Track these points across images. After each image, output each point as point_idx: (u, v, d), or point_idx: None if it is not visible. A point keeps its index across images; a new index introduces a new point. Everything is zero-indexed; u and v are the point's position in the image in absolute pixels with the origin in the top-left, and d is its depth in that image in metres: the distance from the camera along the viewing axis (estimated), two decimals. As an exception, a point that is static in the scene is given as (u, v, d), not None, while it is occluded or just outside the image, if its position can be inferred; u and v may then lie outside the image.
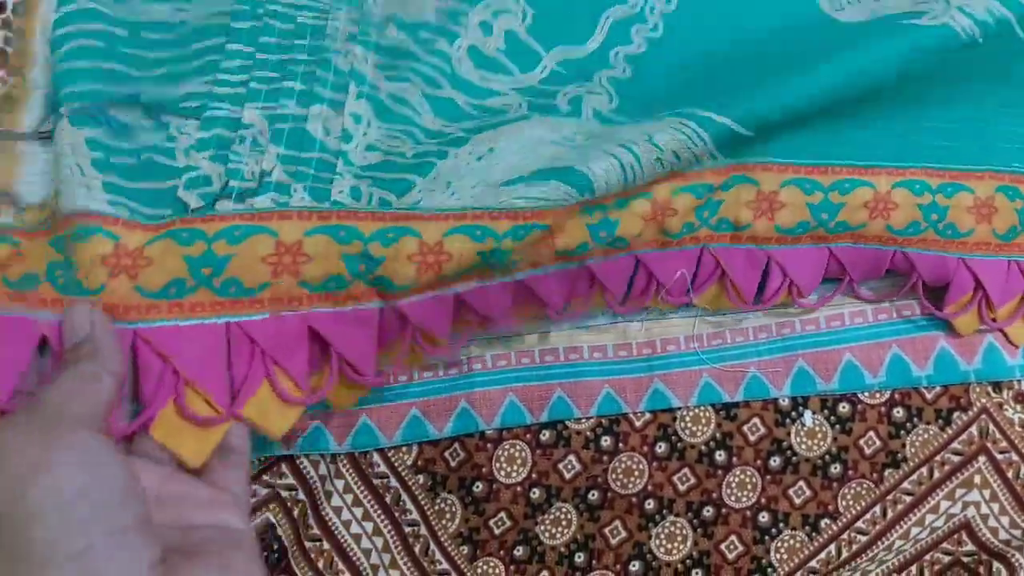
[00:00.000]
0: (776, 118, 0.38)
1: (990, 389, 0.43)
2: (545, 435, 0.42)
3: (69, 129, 0.34)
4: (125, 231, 0.32)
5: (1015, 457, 0.43)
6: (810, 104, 0.38)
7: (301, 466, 0.41)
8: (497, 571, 0.41)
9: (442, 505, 0.41)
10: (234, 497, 0.31)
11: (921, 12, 0.39)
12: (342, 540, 0.41)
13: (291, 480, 0.41)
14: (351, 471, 0.41)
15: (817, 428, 0.43)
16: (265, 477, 0.41)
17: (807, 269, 0.41)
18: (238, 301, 0.33)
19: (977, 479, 0.43)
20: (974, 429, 0.43)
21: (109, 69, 0.36)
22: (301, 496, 0.41)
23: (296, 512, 0.41)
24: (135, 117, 0.35)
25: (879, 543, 0.42)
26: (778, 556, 0.42)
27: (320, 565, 0.40)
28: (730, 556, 0.42)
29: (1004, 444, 0.43)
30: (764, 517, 0.42)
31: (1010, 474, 0.43)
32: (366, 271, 0.34)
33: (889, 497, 0.43)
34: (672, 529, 0.42)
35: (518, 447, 0.42)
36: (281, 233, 0.33)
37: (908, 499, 0.43)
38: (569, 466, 0.42)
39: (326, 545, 0.41)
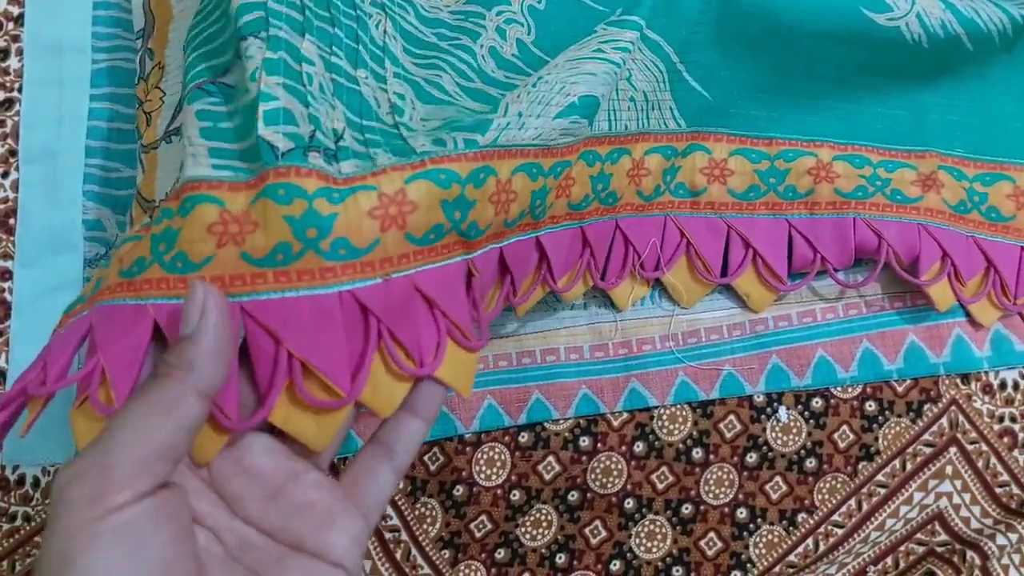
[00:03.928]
0: (726, 83, 0.40)
1: (959, 381, 0.44)
2: (524, 437, 0.42)
3: (186, 109, 0.31)
4: (230, 194, 0.29)
5: (984, 447, 0.44)
6: (759, 76, 0.41)
7: (279, 474, 0.41)
8: (479, 574, 0.41)
9: (422, 510, 0.41)
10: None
11: (886, 6, 0.40)
12: (322, 547, 0.40)
13: (269, 488, 0.41)
14: (330, 476, 0.41)
15: (792, 423, 0.43)
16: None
17: (768, 239, 0.43)
18: (349, 265, 0.29)
19: (949, 470, 0.44)
20: (944, 421, 0.44)
21: (211, 41, 0.33)
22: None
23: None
24: (237, 77, 0.32)
25: (855, 535, 0.43)
26: (757, 551, 0.42)
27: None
28: (709, 553, 0.42)
29: (974, 435, 0.44)
30: (742, 513, 0.43)
31: (980, 464, 0.44)
32: (460, 218, 0.31)
33: (864, 490, 0.43)
34: (652, 528, 0.42)
35: (497, 449, 0.42)
36: (381, 186, 0.30)
37: (882, 491, 0.43)
38: (548, 467, 0.42)
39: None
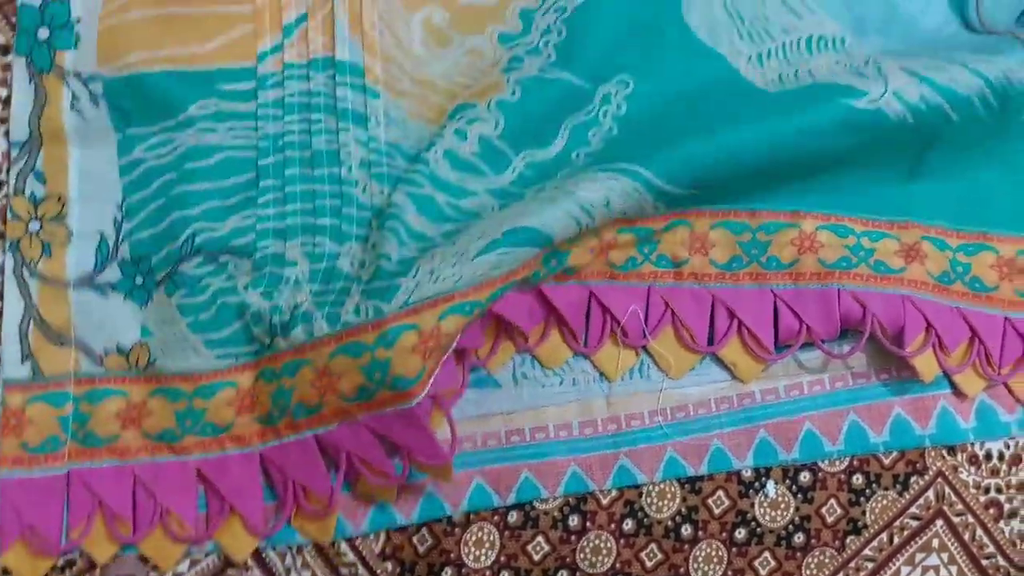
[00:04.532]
0: (704, 176, 0.41)
1: (945, 452, 0.44)
2: (513, 516, 0.42)
3: (164, 299, 0.41)
4: (238, 375, 0.40)
5: (971, 519, 0.44)
6: (738, 165, 0.40)
7: (267, 559, 0.41)
8: (468, 657, 0.41)
9: (411, 592, 0.41)
10: None
11: (861, 92, 0.40)
12: (310, 632, 0.40)
13: (258, 573, 0.41)
14: (318, 560, 0.41)
15: (780, 498, 0.43)
16: (230, 572, 0.40)
17: (753, 309, 0.43)
18: (312, 418, 0.39)
19: (935, 543, 0.44)
20: (931, 493, 0.44)
21: (164, 214, 0.41)
22: (267, 589, 0.40)
23: (263, 606, 0.40)
24: (197, 265, 0.41)
25: (843, 610, 0.43)
26: (746, 627, 0.43)
27: (288, 661, 0.40)
28: (699, 630, 0.42)
29: (960, 507, 0.44)
30: (731, 589, 0.43)
31: (966, 536, 0.44)
32: (381, 378, 0.37)
33: (852, 564, 0.43)
34: (641, 605, 0.42)
35: (486, 530, 0.42)
36: (316, 361, 0.38)
37: (870, 566, 0.43)
38: (538, 547, 0.42)
39: (294, 639, 0.40)
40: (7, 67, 0.42)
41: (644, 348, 0.43)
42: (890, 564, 0.44)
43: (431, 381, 0.38)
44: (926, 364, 0.43)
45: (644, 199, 0.41)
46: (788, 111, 0.41)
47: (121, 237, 0.41)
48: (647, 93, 0.44)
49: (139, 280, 0.41)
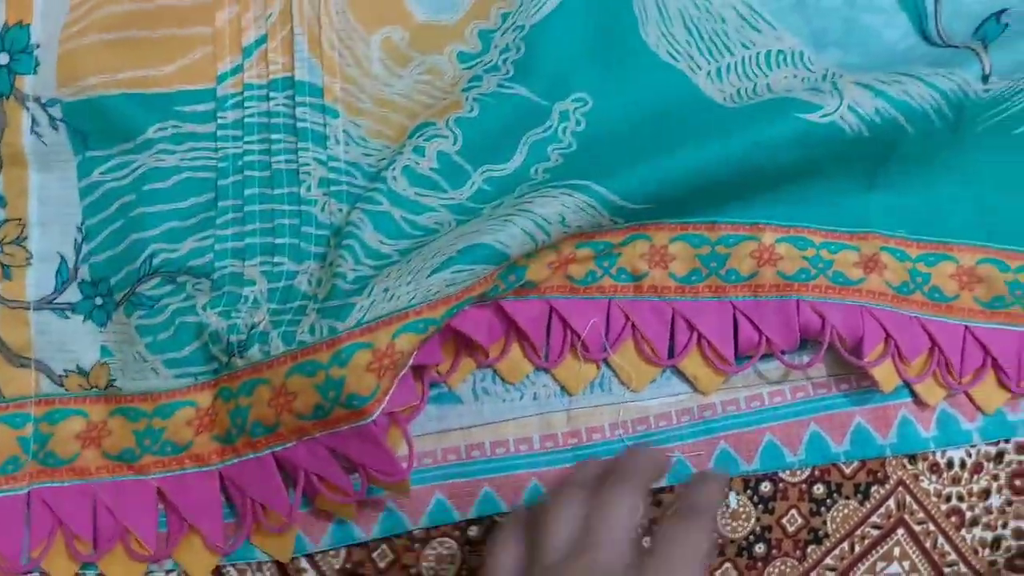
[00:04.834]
0: (661, 192, 0.41)
1: (906, 461, 0.44)
2: (474, 531, 0.42)
3: (123, 320, 0.41)
4: (198, 394, 0.40)
5: (932, 527, 0.44)
6: (695, 180, 0.41)
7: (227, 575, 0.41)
8: (430, 672, 0.41)
9: (372, 608, 0.41)
10: None
11: (816, 106, 0.41)
12: (272, 649, 0.41)
13: (218, 591, 0.41)
14: (279, 578, 0.41)
15: (741, 509, 0.43)
16: (191, 590, 0.41)
17: (712, 322, 0.43)
18: (269, 437, 0.39)
19: (897, 551, 0.44)
20: (892, 502, 0.44)
21: (123, 235, 0.42)
22: (229, 606, 0.41)
23: (224, 624, 0.40)
24: (155, 286, 0.41)
25: (805, 621, 0.43)
26: (708, 639, 0.43)
27: None
28: (661, 642, 0.42)
29: (921, 515, 0.44)
30: (693, 600, 0.43)
31: (928, 544, 0.44)
32: (335, 396, 0.37)
33: (813, 573, 0.43)
34: (603, 618, 0.42)
35: (447, 544, 0.42)
36: (272, 380, 0.38)
37: (831, 575, 0.44)
38: (498, 561, 0.42)
39: (256, 656, 0.40)
40: (-32, 92, 0.42)
41: (605, 361, 0.44)
42: (851, 573, 0.44)
43: (387, 399, 0.38)
44: (885, 374, 0.43)
45: (599, 214, 0.41)
46: (744, 126, 0.41)
47: (81, 259, 0.42)
48: (606, 110, 0.44)
49: (99, 301, 0.42)
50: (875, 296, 0.43)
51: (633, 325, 0.43)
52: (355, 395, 0.37)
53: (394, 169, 0.41)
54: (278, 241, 0.42)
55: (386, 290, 0.38)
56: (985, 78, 0.42)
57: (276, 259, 0.41)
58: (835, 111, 0.41)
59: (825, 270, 0.43)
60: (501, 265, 0.39)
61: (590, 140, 0.44)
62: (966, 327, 0.44)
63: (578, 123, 0.44)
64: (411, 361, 0.39)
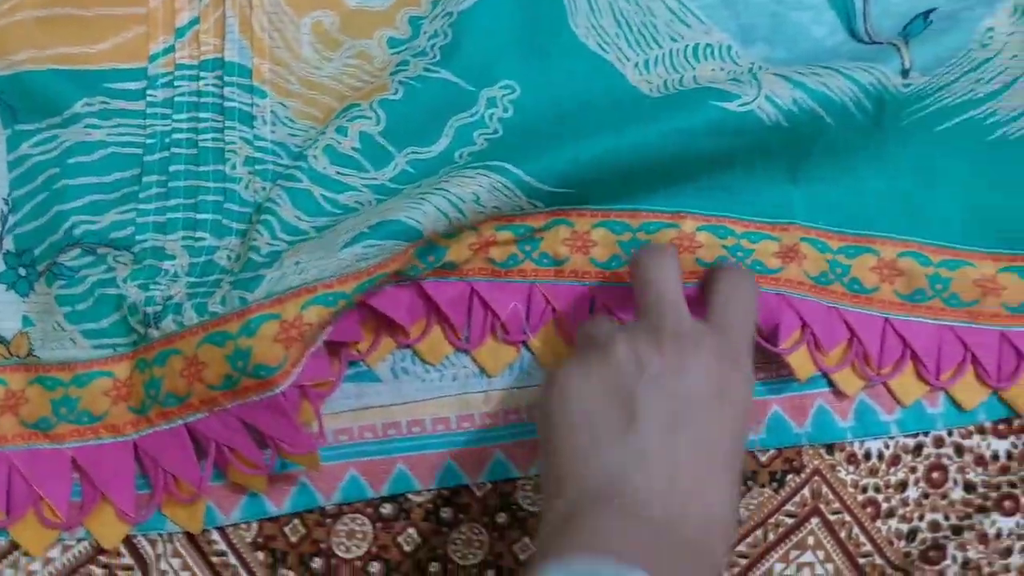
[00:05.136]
0: (578, 175, 0.41)
1: (823, 451, 0.45)
2: (386, 508, 0.43)
3: (45, 290, 0.42)
4: (115, 365, 0.41)
5: (847, 518, 0.44)
6: (615, 166, 0.41)
7: (139, 546, 0.41)
8: (336, 647, 0.41)
9: (281, 582, 0.41)
10: None
11: (734, 95, 0.41)
12: (180, 620, 0.41)
13: (128, 560, 0.41)
14: (189, 549, 0.41)
15: (655, 494, 0.44)
16: (101, 558, 0.41)
17: (632, 308, 0.43)
18: (182, 407, 0.40)
19: (811, 540, 0.44)
20: (807, 491, 0.44)
21: (47, 207, 0.42)
22: (138, 576, 0.41)
23: (133, 593, 0.41)
24: (76, 256, 0.41)
25: (716, 607, 0.43)
26: (619, 623, 0.43)
27: (154, 647, 0.40)
28: (571, 624, 0.42)
29: (837, 505, 0.44)
30: (604, 584, 0.43)
31: (843, 535, 0.44)
32: (243, 366, 0.38)
33: (724, 560, 0.43)
34: (514, 599, 0.42)
35: (359, 521, 0.42)
36: (184, 350, 0.39)
37: (743, 562, 0.44)
38: (409, 539, 0.42)
39: (163, 626, 0.41)
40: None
41: (525, 344, 0.44)
42: (764, 560, 0.44)
43: (296, 371, 0.39)
44: (801, 361, 0.43)
45: (516, 196, 0.41)
46: (662, 113, 0.42)
47: (6, 229, 0.43)
48: (533, 98, 0.45)
49: (22, 272, 0.42)
50: (793, 285, 0.44)
51: (554, 309, 0.44)
52: (262, 365, 0.37)
53: (315, 148, 0.42)
54: (200, 216, 0.42)
55: (297, 263, 0.39)
56: (905, 72, 0.43)
57: (198, 234, 0.42)
58: (753, 100, 0.41)
59: (743, 259, 0.44)
60: (414, 242, 0.40)
61: (517, 127, 0.44)
62: (886, 319, 0.45)
63: (505, 110, 0.45)
64: (324, 336, 0.40)
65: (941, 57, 0.44)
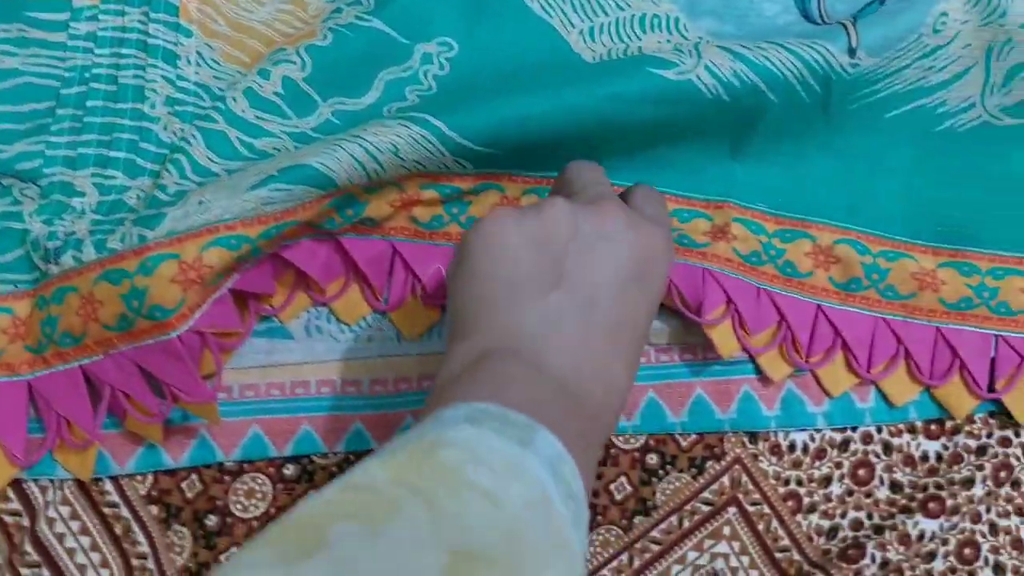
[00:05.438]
0: (505, 136, 0.40)
1: (746, 440, 0.43)
2: (289, 469, 0.41)
3: None
4: (16, 302, 0.39)
5: (767, 510, 0.43)
6: (546, 130, 0.40)
7: (28, 491, 0.40)
8: (225, 608, 0.40)
9: (173, 538, 0.40)
10: None
11: (672, 63, 0.40)
12: (65, 570, 0.39)
13: (16, 505, 0.40)
14: (79, 497, 0.40)
15: (569, 472, 0.42)
16: (-14, 501, 0.39)
17: None
18: (77, 348, 0.39)
19: (727, 530, 0.43)
20: (726, 479, 0.43)
21: None
22: (25, 522, 0.39)
23: (17, 538, 0.39)
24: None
25: (623, 592, 0.42)
26: (521, 602, 0.41)
27: (33, 596, 0.39)
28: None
29: (756, 496, 0.43)
30: (509, 561, 0.41)
31: (761, 527, 0.43)
32: (139, 307, 0.37)
33: (637, 545, 0.42)
34: (415, 570, 0.41)
35: (259, 480, 0.41)
36: (81, 287, 0.38)
37: (656, 548, 0.42)
38: (309, 502, 0.41)
39: (45, 573, 0.39)
40: None
41: (443, 308, 0.43)
42: (677, 548, 0.42)
43: (194, 316, 0.37)
44: (723, 337, 0.42)
45: (438, 151, 0.40)
46: (598, 79, 0.41)
47: None
48: (471, 58, 0.44)
49: None
50: (720, 261, 0.42)
51: None
52: (158, 306, 0.36)
53: (235, 89, 0.41)
54: (113, 154, 0.41)
55: (200, 202, 0.37)
56: (852, 51, 0.41)
57: (109, 172, 0.41)
58: (692, 70, 0.40)
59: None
60: (327, 191, 0.38)
61: (452, 86, 0.43)
62: (818, 306, 0.43)
63: (441, 67, 0.43)
64: (229, 283, 0.39)
65: (891, 39, 0.42)
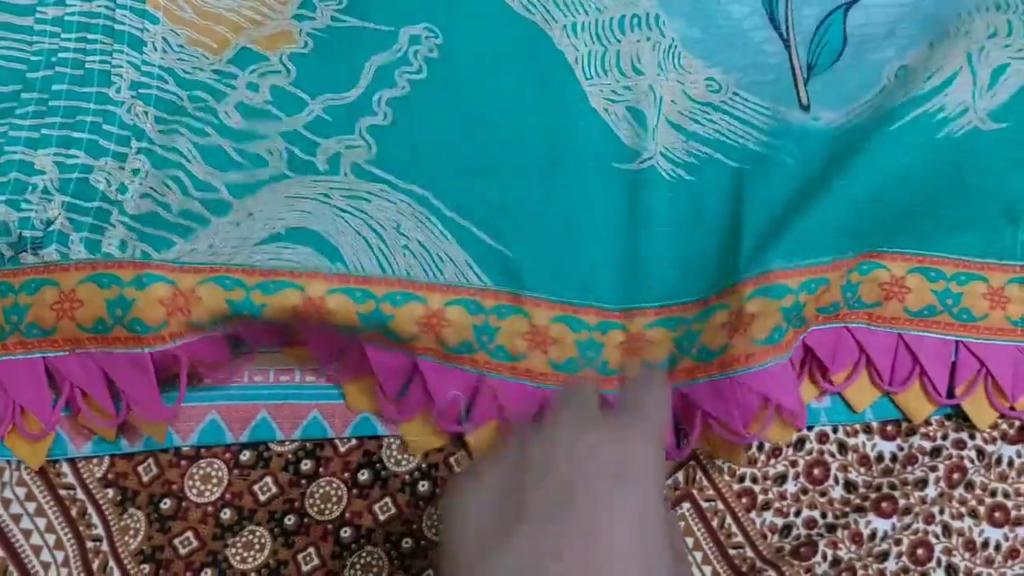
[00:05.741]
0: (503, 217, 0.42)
1: (702, 436, 0.43)
2: (246, 455, 0.41)
3: None
4: None
5: (721, 506, 0.43)
6: (540, 222, 0.42)
7: (-16, 472, 0.40)
8: (179, 592, 0.40)
9: (128, 521, 0.40)
10: None
11: (634, 153, 0.42)
12: (20, 551, 0.40)
13: (-29, 486, 0.40)
14: (35, 479, 0.40)
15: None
16: (-58, 481, 0.40)
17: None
18: (43, 340, 0.38)
19: (681, 525, 0.43)
20: (680, 475, 0.43)
21: None
22: (-20, 503, 0.40)
23: (-28, 519, 0.39)
24: None
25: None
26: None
27: (-14, 576, 0.39)
28: (425, 590, 0.41)
29: (711, 492, 0.43)
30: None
31: (715, 523, 0.43)
32: (121, 315, 0.37)
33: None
34: (369, 560, 0.41)
35: (215, 466, 0.41)
36: (63, 283, 0.37)
37: (609, 542, 0.42)
38: (265, 488, 0.41)
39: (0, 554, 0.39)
40: None
41: (459, 437, 0.42)
42: (629, 542, 0.43)
43: (170, 343, 0.37)
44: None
45: (438, 231, 0.41)
46: (566, 178, 0.43)
47: None
48: (456, 51, 0.44)
49: None
50: None
51: (500, 406, 0.41)
52: (139, 320, 0.36)
53: (227, 104, 0.41)
54: (75, 135, 0.41)
55: (211, 246, 0.38)
56: (805, 108, 0.43)
57: (71, 151, 0.41)
58: (650, 158, 0.42)
59: None
60: (336, 273, 0.38)
61: (441, 73, 0.43)
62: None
63: (430, 50, 0.43)
64: (227, 328, 0.39)
65: (843, 98, 0.44)
